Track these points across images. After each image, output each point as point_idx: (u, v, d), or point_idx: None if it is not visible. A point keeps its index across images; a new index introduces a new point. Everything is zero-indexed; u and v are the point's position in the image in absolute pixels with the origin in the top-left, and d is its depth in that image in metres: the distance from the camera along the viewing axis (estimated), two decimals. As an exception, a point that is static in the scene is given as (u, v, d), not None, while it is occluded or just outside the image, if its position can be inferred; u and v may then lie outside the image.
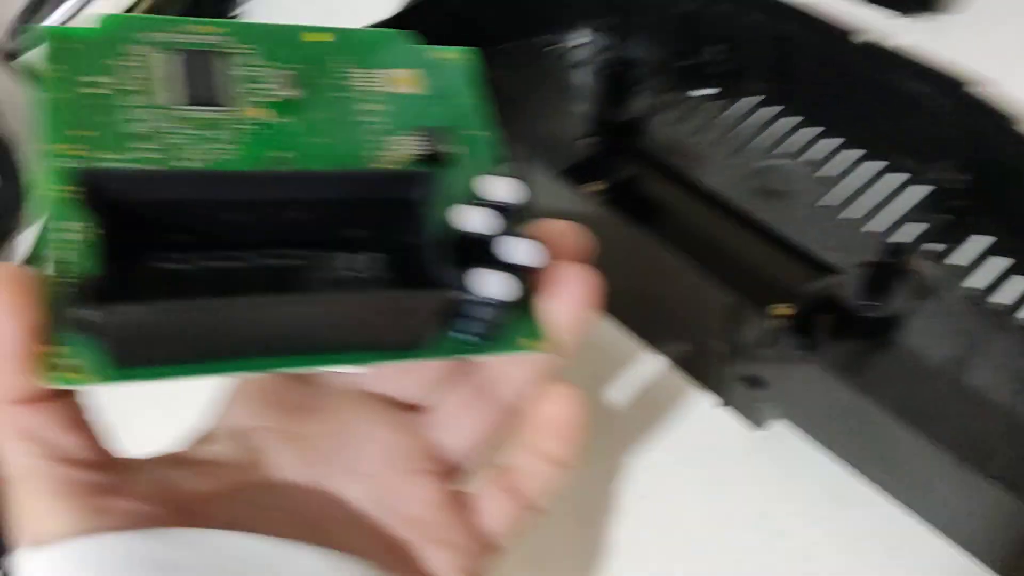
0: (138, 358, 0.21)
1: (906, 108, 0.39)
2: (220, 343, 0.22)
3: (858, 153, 0.41)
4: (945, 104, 0.38)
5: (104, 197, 0.21)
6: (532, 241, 0.23)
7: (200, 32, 0.26)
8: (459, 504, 0.27)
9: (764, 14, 0.42)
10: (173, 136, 0.24)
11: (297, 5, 0.49)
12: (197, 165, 0.24)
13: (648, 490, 0.36)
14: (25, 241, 0.50)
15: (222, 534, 0.23)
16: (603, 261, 0.36)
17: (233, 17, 0.58)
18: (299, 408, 0.28)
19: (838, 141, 0.42)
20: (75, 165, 0.23)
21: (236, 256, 0.23)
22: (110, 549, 0.22)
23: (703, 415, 0.37)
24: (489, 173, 0.24)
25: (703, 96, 0.45)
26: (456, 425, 0.28)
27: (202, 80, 0.25)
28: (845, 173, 0.41)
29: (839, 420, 0.31)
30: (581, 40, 0.48)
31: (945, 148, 0.39)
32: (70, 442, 0.22)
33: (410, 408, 0.29)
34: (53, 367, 0.20)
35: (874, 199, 0.40)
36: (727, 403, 0.36)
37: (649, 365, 0.39)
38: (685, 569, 0.34)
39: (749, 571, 0.33)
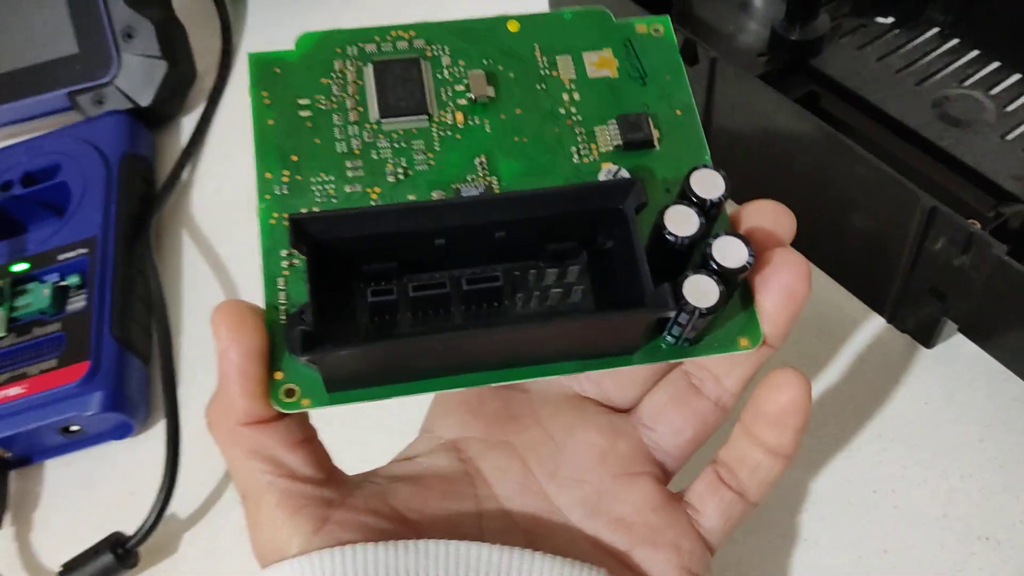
0: (351, 384, 0.22)
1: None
2: (429, 366, 0.23)
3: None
4: None
5: (311, 238, 0.22)
6: (744, 244, 0.22)
7: (391, 38, 0.26)
8: (676, 504, 0.27)
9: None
10: (376, 151, 0.25)
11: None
12: (391, 181, 0.24)
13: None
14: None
15: (455, 544, 0.24)
16: (784, 165, 0.36)
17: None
18: (506, 416, 0.28)
19: (1018, 76, 0.41)
20: (286, 192, 0.24)
21: (440, 280, 0.23)
22: (350, 560, 0.23)
23: (871, 332, 0.37)
24: (695, 168, 0.23)
25: (882, 23, 0.44)
26: (668, 424, 0.27)
27: (398, 91, 0.25)
28: (1030, 107, 0.40)
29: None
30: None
31: None
32: (295, 459, 0.24)
33: (620, 410, 0.28)
34: (274, 391, 0.22)
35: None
36: (899, 320, 0.36)
37: (815, 281, 0.39)
38: (846, 479, 0.34)
39: (908, 486, 0.33)
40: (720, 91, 0.37)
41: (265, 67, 0.25)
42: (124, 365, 0.40)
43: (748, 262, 0.22)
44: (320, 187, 0.24)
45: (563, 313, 0.24)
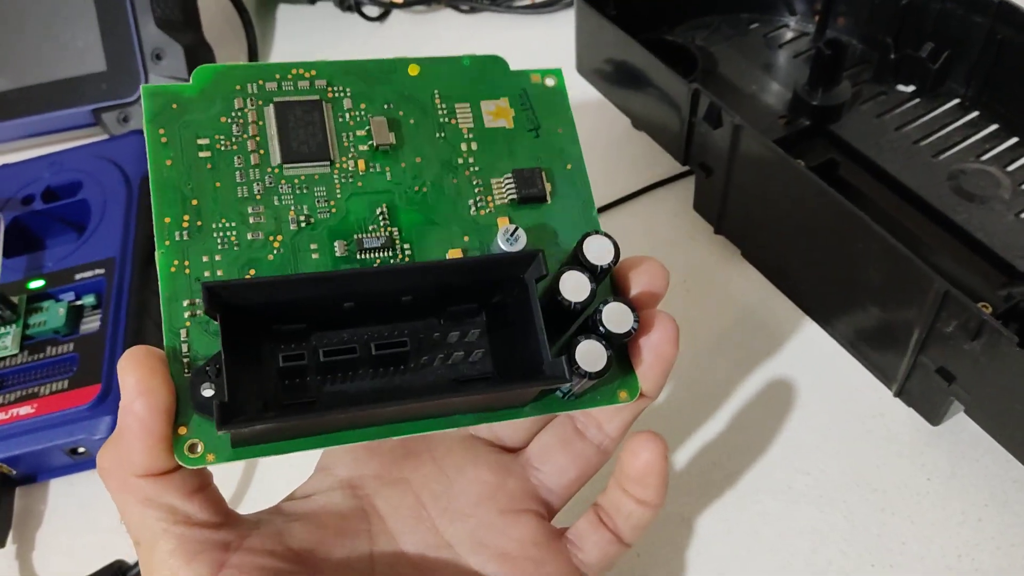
0: (255, 443, 0.23)
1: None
2: (333, 430, 0.23)
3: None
4: None
5: (224, 304, 0.22)
6: (631, 310, 0.24)
7: (292, 77, 0.26)
8: (558, 541, 0.29)
9: (989, 16, 0.41)
10: (278, 197, 0.25)
11: None
12: (292, 229, 0.24)
13: (809, 466, 0.36)
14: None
15: None
16: (801, 232, 0.37)
17: None
18: (403, 453, 0.30)
19: (1039, 154, 0.41)
20: (186, 238, 0.24)
21: (350, 345, 0.24)
22: None
23: (878, 405, 0.37)
24: (587, 234, 0.24)
25: (902, 92, 0.45)
26: (554, 465, 0.29)
27: (299, 135, 0.25)
28: (1048, 187, 0.40)
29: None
30: (787, 21, 0.49)
31: None
32: (192, 507, 0.24)
33: (510, 450, 0.30)
34: (178, 447, 0.22)
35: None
36: (907, 395, 0.36)
37: (826, 348, 0.39)
38: (845, 551, 0.34)
39: (906, 561, 0.34)
40: (742, 155, 0.38)
41: (161, 101, 0.25)
42: (134, 389, 0.40)
43: (633, 328, 0.24)
44: (222, 234, 0.24)
45: (465, 374, 0.25)
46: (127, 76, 0.49)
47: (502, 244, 0.25)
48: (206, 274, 0.24)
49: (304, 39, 0.57)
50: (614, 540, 0.28)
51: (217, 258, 0.24)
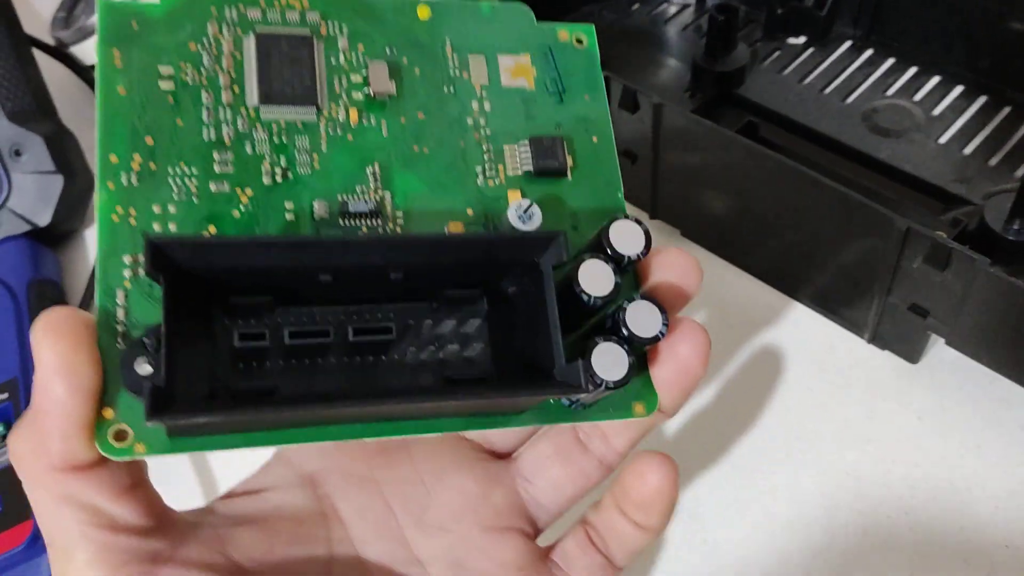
0: (198, 434, 0.19)
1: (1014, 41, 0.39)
2: (293, 426, 0.20)
3: (961, 89, 0.41)
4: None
5: (174, 266, 0.18)
6: (660, 311, 0.21)
7: (280, 5, 0.22)
8: (543, 565, 0.25)
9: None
10: (251, 143, 0.21)
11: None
12: (266, 184, 0.21)
13: (802, 431, 0.35)
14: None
15: None
16: (745, 202, 0.36)
17: None
18: (375, 448, 0.25)
19: (937, 79, 0.42)
20: (135, 183, 0.20)
21: (322, 328, 0.20)
22: None
23: (854, 355, 0.37)
24: (615, 218, 0.21)
25: (795, 44, 0.45)
26: (548, 479, 0.26)
27: (284, 74, 0.21)
28: (956, 109, 0.40)
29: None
30: (664, -3, 0.48)
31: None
32: (120, 509, 0.20)
33: (499, 454, 0.27)
34: (102, 433, 0.18)
35: (986, 131, 0.39)
36: (881, 339, 0.36)
37: (789, 312, 0.39)
38: (858, 508, 0.33)
39: (920, 504, 0.33)
40: (667, 134, 0.37)
41: (120, 18, 0.21)
42: (71, 516, 0.36)
43: (661, 332, 0.20)
44: (179, 180, 0.20)
45: (459, 372, 0.21)
46: (-13, 180, 0.45)
47: (514, 221, 0.21)
48: (155, 227, 0.20)
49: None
50: (605, 565, 0.25)
51: (171, 209, 0.20)
